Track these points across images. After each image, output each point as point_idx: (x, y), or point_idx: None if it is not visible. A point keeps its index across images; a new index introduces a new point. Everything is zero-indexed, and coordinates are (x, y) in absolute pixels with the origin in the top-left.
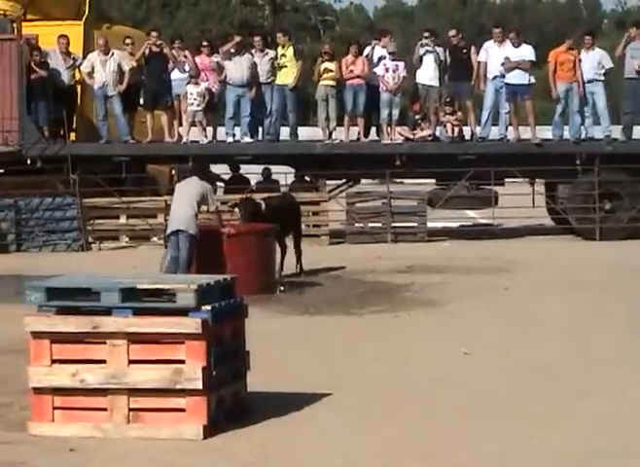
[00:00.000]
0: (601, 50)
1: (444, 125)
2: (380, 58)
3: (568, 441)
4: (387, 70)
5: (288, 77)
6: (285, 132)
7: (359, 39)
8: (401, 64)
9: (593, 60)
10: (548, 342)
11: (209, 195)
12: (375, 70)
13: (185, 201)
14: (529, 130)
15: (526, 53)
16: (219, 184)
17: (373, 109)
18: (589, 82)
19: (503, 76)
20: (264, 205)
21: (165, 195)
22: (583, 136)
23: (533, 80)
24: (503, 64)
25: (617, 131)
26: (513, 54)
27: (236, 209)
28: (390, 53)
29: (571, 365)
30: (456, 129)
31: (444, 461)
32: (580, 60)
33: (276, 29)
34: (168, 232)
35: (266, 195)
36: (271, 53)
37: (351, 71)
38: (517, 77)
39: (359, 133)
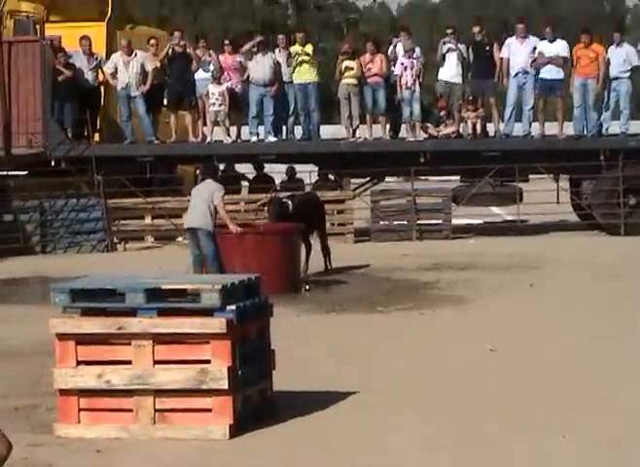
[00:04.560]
0: (630, 46)
1: (466, 122)
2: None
3: (599, 438)
4: (405, 68)
5: (309, 75)
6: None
7: (379, 36)
8: (417, 61)
9: (620, 57)
10: (573, 341)
11: (215, 192)
12: (394, 69)
13: (199, 200)
14: (555, 126)
15: (560, 48)
16: (244, 183)
17: (395, 107)
18: (614, 79)
19: (526, 72)
20: (291, 205)
21: (190, 195)
22: (601, 132)
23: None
24: (535, 60)
25: (638, 127)
26: (547, 49)
27: (265, 208)
28: (406, 51)
29: (597, 364)
30: (478, 126)
31: (472, 458)
32: (603, 56)
33: (298, 28)
34: (185, 227)
35: (290, 193)
36: (292, 51)
37: (369, 69)
38: (551, 72)
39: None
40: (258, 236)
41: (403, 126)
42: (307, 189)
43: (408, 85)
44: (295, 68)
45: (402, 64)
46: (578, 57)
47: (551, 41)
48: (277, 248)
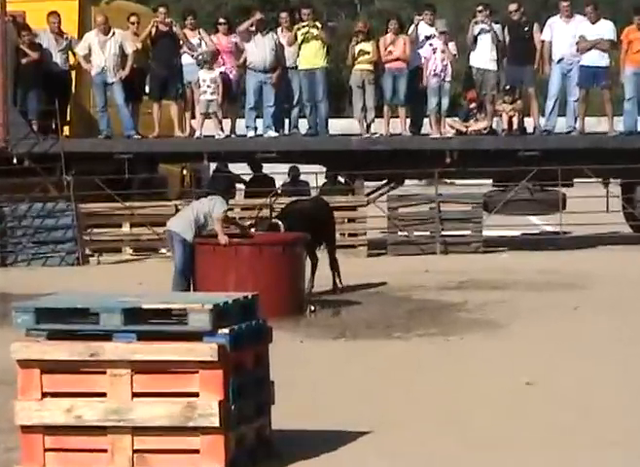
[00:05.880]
0: None
1: (501, 116)
2: (427, 38)
3: None
4: (435, 51)
5: (317, 59)
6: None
7: (400, 14)
8: (451, 44)
9: None
10: (624, 373)
11: (218, 203)
12: (420, 52)
13: (191, 208)
14: (603, 121)
15: (605, 30)
16: (239, 186)
17: (418, 97)
18: None
19: (571, 58)
20: (282, 226)
21: (176, 199)
22: None
23: (610, 63)
24: (577, 43)
25: None
26: (589, 32)
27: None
28: (441, 33)
29: None
30: (515, 121)
31: None
32: None
33: (303, 4)
34: (164, 229)
35: (294, 198)
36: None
37: (390, 53)
38: (594, 58)
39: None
40: (254, 248)
41: (426, 121)
42: (313, 193)
43: (437, 71)
44: (300, 48)
45: (431, 46)
46: (630, 42)
47: (594, 22)
48: (278, 262)
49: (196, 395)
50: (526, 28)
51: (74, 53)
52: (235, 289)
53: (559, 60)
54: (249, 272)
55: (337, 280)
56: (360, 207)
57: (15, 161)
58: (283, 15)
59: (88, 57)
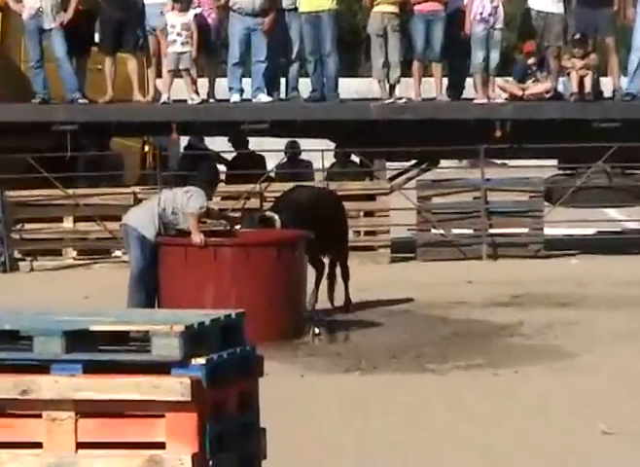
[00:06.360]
0: None
1: (569, 75)
2: None
3: None
4: None
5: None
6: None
7: None
8: None
9: None
10: None
11: (195, 195)
12: None
13: (157, 199)
14: None
15: None
16: (219, 167)
17: (458, 50)
18: None
19: None
20: (278, 221)
21: (135, 184)
22: None
23: None
24: None
25: None
26: None
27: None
28: None
29: None
30: (588, 81)
31: None
32: None
33: None
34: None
35: (292, 185)
36: None
37: None
38: None
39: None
40: (239, 250)
41: (469, 81)
42: (318, 177)
43: (484, 15)
44: None
45: None
46: None
47: None
48: (270, 269)
49: (162, 446)
50: None
51: None
52: (214, 305)
53: None
54: (232, 283)
55: (334, 294)
56: (381, 196)
57: None
58: None
59: None
